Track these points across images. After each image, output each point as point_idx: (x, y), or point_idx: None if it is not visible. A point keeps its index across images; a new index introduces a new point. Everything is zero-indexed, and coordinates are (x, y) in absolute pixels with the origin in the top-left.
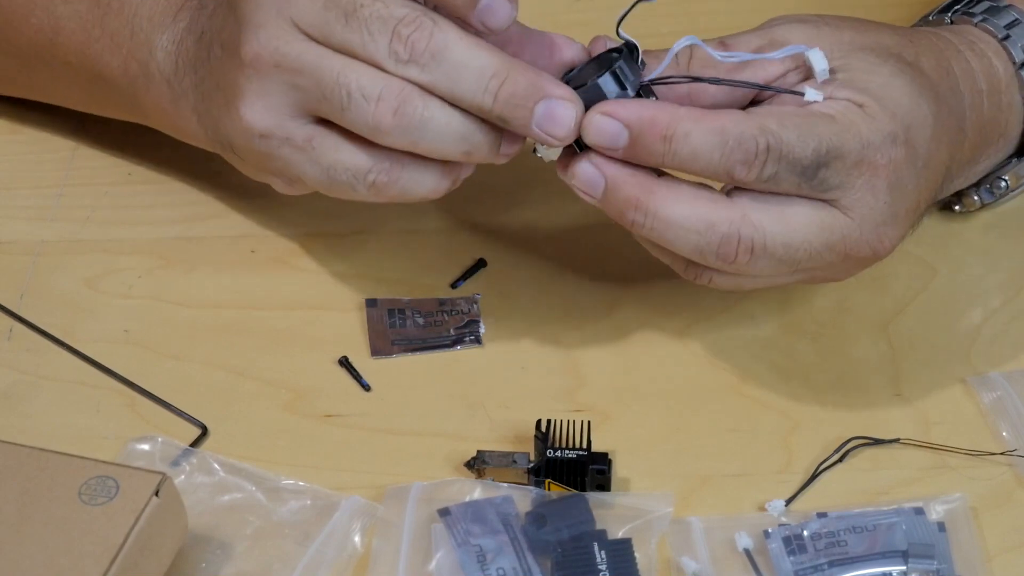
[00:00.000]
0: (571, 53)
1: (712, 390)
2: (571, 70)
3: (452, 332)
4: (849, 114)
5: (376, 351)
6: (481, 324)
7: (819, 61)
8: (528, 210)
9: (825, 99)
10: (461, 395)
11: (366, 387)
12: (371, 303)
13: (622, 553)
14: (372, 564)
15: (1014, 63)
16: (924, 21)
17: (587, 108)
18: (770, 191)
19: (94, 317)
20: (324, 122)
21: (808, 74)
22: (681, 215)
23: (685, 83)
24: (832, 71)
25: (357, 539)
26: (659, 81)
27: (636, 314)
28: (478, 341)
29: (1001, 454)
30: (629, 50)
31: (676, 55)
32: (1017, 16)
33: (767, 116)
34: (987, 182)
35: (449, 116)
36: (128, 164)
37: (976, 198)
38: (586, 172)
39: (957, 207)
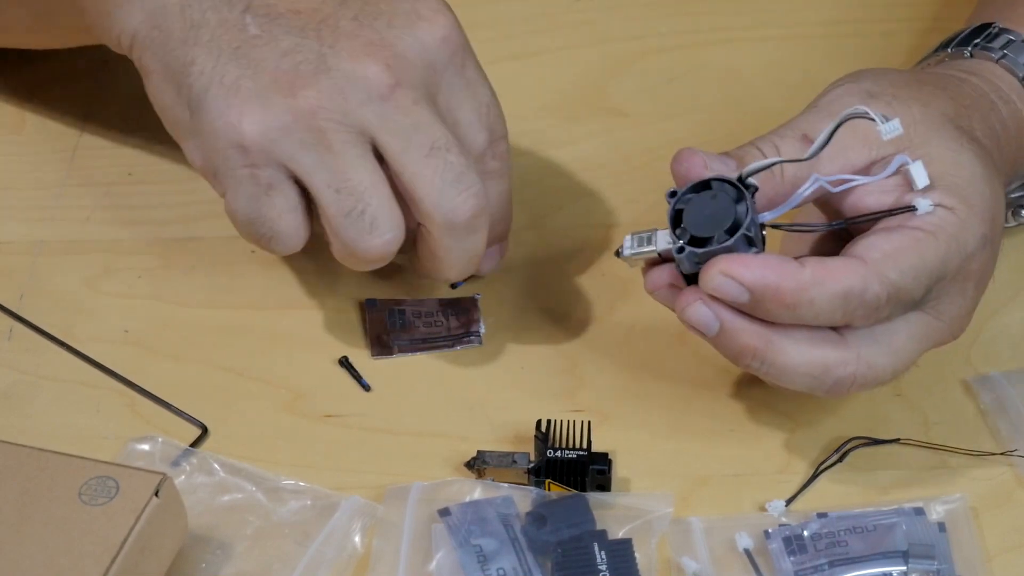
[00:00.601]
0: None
1: (712, 390)
2: (676, 192)
3: (452, 332)
4: (947, 227)
5: (376, 351)
6: (481, 324)
7: (921, 176)
8: (529, 210)
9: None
10: (461, 395)
11: (366, 387)
12: (371, 303)
13: (622, 553)
14: (372, 564)
15: None
16: (943, 51)
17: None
18: (879, 324)
19: (94, 317)
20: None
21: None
22: (799, 362)
23: (808, 229)
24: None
25: (357, 539)
26: (776, 226)
27: (636, 314)
28: (478, 341)
29: (1001, 454)
30: (750, 192)
31: (771, 165)
32: None
33: (884, 264)
34: (1009, 207)
35: None
36: (128, 164)
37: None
38: (701, 314)
39: None
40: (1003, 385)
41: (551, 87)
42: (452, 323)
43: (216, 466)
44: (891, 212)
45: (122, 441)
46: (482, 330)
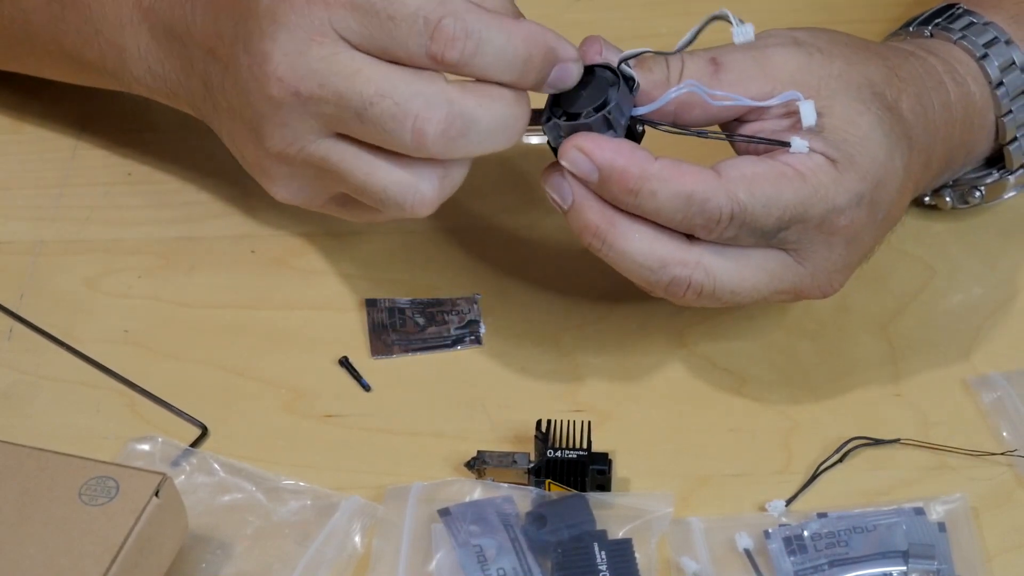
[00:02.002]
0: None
1: (712, 390)
2: None
3: (452, 332)
4: (820, 174)
5: (376, 351)
6: (481, 324)
7: (808, 115)
8: (529, 210)
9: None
10: (461, 395)
11: (366, 387)
12: (371, 303)
13: (622, 553)
14: (372, 564)
15: (990, 83)
16: (904, 30)
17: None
18: (728, 244)
19: (94, 317)
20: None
21: (788, 110)
22: (637, 250)
23: (676, 131)
24: (818, 114)
25: (357, 539)
26: (647, 121)
27: (636, 314)
28: (478, 341)
29: (1001, 454)
30: (626, 81)
31: (668, 72)
32: (996, 35)
33: (738, 183)
34: (962, 188)
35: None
36: (128, 164)
37: (948, 199)
38: (558, 184)
39: (927, 199)
40: (1003, 385)
41: None
42: (452, 323)
43: (216, 466)
44: (764, 140)
45: (122, 441)
46: (482, 330)
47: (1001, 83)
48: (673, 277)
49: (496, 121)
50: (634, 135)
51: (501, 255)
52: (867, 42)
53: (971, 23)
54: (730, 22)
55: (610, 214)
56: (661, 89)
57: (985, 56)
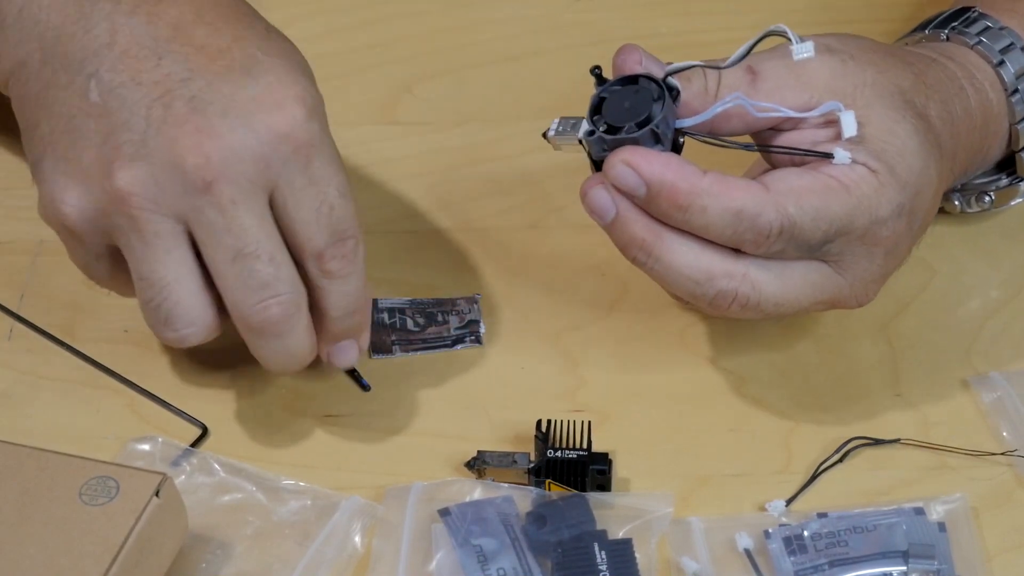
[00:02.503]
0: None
1: (712, 390)
2: (605, 82)
3: (452, 332)
4: (863, 185)
5: (376, 351)
6: (481, 324)
7: (850, 126)
8: (529, 210)
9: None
10: (461, 395)
11: (366, 387)
12: (371, 303)
13: (622, 553)
14: (372, 564)
15: (1005, 90)
16: (920, 31)
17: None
18: (773, 258)
19: (94, 317)
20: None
21: (827, 119)
22: (684, 264)
23: (719, 144)
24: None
25: (357, 539)
26: (690, 133)
27: (636, 314)
28: (478, 341)
29: (1001, 454)
30: (670, 92)
31: (706, 82)
32: (1013, 40)
33: (787, 197)
34: (971, 193)
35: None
36: None
37: (957, 203)
38: (600, 198)
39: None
40: (1003, 385)
41: (551, 87)
42: (452, 323)
43: (216, 466)
44: (808, 152)
45: (122, 441)
46: (482, 330)
47: (1016, 90)
48: (719, 291)
49: (300, 349)
50: (676, 147)
51: (501, 255)
52: (890, 47)
53: (987, 27)
54: (788, 39)
55: (657, 228)
56: (700, 100)
57: (1002, 63)
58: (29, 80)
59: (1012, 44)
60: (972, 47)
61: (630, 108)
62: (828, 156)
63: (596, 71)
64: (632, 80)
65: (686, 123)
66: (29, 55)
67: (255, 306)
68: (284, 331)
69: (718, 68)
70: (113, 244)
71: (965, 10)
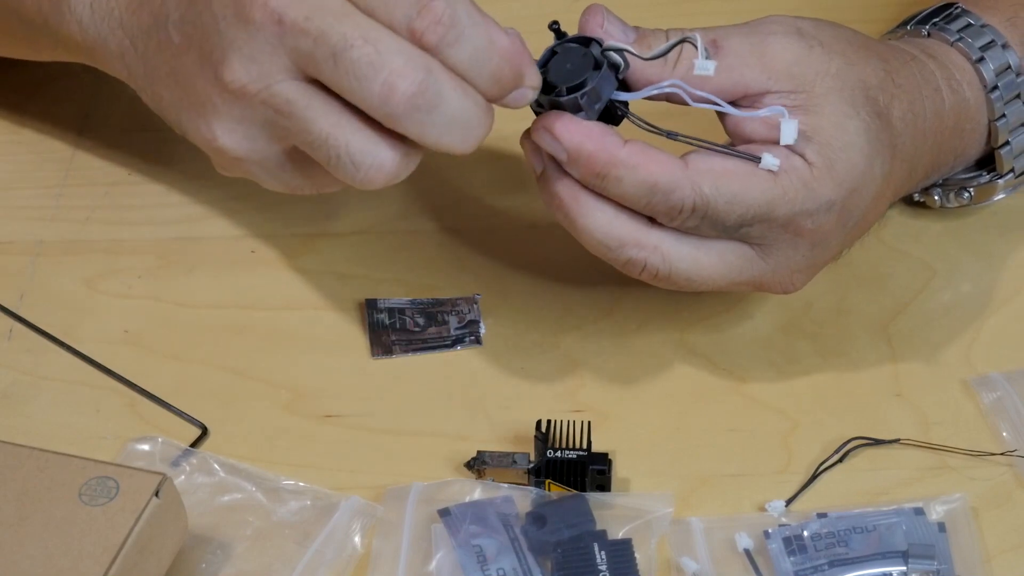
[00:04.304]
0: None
1: (712, 390)
2: (560, 39)
3: (452, 332)
4: (793, 176)
5: (376, 351)
6: (481, 324)
7: (788, 134)
8: (529, 210)
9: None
10: (461, 395)
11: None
12: (371, 303)
13: (622, 553)
14: (372, 564)
15: (984, 87)
16: (902, 28)
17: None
18: (690, 233)
19: (94, 317)
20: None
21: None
22: (597, 228)
23: (647, 128)
24: (805, 110)
25: (357, 539)
26: (625, 112)
27: (636, 314)
28: (478, 341)
29: (1001, 454)
30: (611, 66)
31: (667, 56)
32: (993, 37)
33: (704, 176)
34: (951, 188)
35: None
36: (128, 164)
37: (937, 198)
38: (533, 150)
39: (916, 196)
40: (1003, 385)
41: None
42: (452, 323)
43: (216, 466)
44: (736, 152)
45: (122, 441)
46: (482, 330)
47: (996, 87)
48: (629, 259)
49: (463, 113)
50: (613, 117)
51: (501, 255)
52: (869, 40)
53: (968, 24)
54: (696, 47)
55: (576, 190)
56: (658, 70)
57: (981, 59)
58: (132, 66)
59: (993, 41)
60: (952, 44)
61: (571, 70)
62: (756, 160)
63: (554, 26)
64: (586, 42)
65: (623, 97)
66: (120, 45)
67: (381, 92)
68: (427, 102)
69: (641, 58)
70: (283, 142)
71: (947, 6)
